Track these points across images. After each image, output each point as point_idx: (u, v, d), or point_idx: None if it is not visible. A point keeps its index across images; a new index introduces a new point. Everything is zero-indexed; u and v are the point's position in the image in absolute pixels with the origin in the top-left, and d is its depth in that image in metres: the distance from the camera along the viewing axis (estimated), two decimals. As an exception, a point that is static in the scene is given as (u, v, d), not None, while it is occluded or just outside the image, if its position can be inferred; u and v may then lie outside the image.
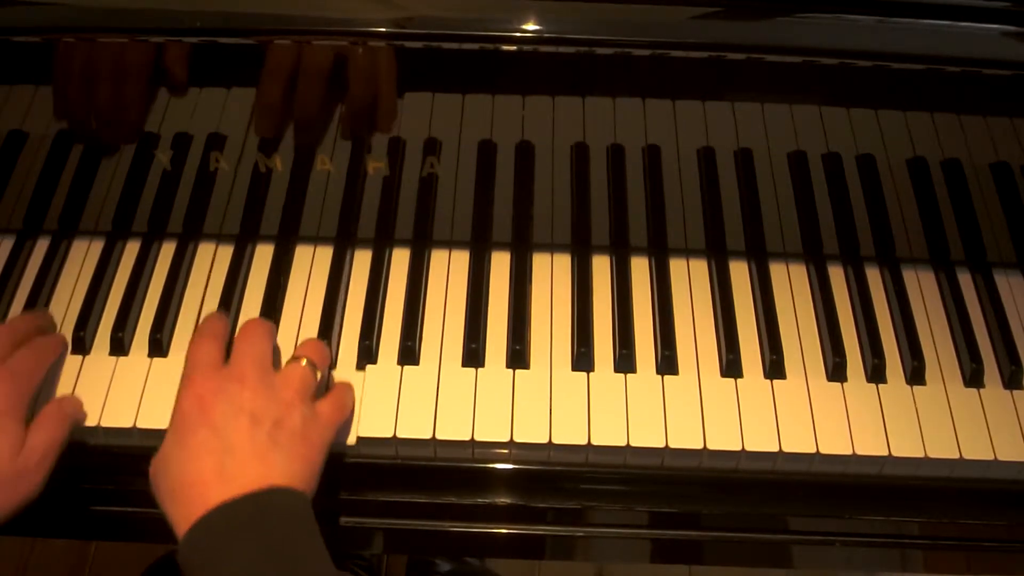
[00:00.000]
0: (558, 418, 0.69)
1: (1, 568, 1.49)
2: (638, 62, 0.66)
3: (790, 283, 0.79)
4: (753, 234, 0.78)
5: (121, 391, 0.71)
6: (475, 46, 0.65)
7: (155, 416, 0.69)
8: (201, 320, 0.74)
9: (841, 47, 0.65)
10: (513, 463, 0.70)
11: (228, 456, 0.59)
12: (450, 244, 0.80)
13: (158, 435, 0.63)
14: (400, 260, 0.79)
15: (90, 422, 0.69)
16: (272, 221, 0.79)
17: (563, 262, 0.79)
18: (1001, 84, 0.67)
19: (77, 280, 0.78)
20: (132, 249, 0.80)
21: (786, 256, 0.80)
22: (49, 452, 0.63)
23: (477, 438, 0.69)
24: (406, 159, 0.74)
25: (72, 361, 0.73)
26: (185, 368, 0.65)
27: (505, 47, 0.65)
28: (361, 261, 0.79)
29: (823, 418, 0.70)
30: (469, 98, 0.70)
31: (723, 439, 0.69)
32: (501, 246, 0.80)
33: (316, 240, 0.80)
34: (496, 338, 0.74)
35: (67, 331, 0.74)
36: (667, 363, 0.73)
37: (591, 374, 0.72)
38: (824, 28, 0.66)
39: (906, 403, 0.72)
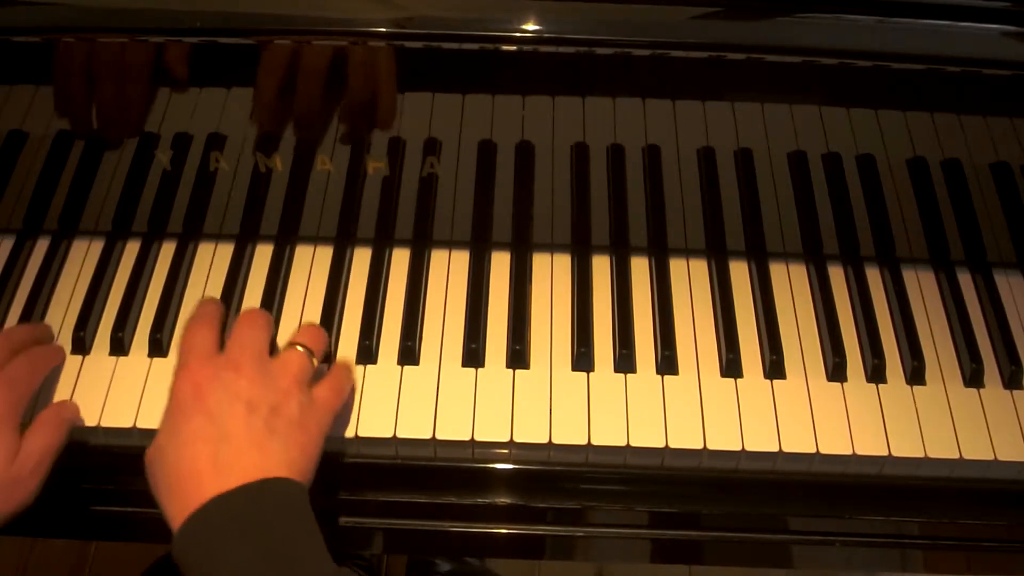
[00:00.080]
0: (558, 418, 0.69)
1: (1, 568, 1.49)
2: (638, 62, 0.66)
3: (790, 283, 0.79)
4: (753, 234, 0.78)
5: (121, 391, 0.71)
6: (475, 46, 0.65)
7: (155, 416, 0.68)
8: (196, 305, 0.73)
9: (841, 47, 0.65)
10: (513, 463, 0.70)
11: (224, 444, 0.58)
12: (450, 244, 0.80)
13: (158, 435, 0.63)
14: (400, 260, 0.79)
15: (90, 422, 0.69)
16: (272, 221, 0.79)
17: (563, 262, 0.79)
18: (1001, 84, 0.67)
19: (77, 280, 0.78)
20: (132, 249, 0.80)
21: (786, 256, 0.80)
22: (45, 458, 0.63)
23: (477, 438, 0.69)
24: (406, 159, 0.74)
25: (72, 361, 0.73)
26: (180, 355, 0.64)
27: (505, 47, 0.65)
28: (361, 261, 0.79)
29: (823, 418, 0.70)
30: (469, 98, 0.70)
31: (723, 439, 0.69)
32: (501, 246, 0.80)
33: (316, 240, 0.80)
34: (496, 338, 0.74)
35: (67, 331, 0.74)
36: (667, 363, 0.73)
37: (591, 374, 0.72)
38: (824, 28, 0.66)
39: (906, 403, 0.72)
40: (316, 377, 0.67)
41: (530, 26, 0.64)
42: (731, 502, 0.71)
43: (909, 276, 0.79)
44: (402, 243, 0.80)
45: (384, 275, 0.78)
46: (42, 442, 0.63)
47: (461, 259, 0.79)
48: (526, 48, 0.65)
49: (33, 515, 0.63)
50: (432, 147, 0.73)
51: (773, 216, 0.77)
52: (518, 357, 0.72)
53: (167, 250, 0.80)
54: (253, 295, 0.77)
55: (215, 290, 0.77)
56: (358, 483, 0.70)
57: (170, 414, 0.61)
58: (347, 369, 0.69)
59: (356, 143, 0.73)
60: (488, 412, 0.70)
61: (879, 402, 0.72)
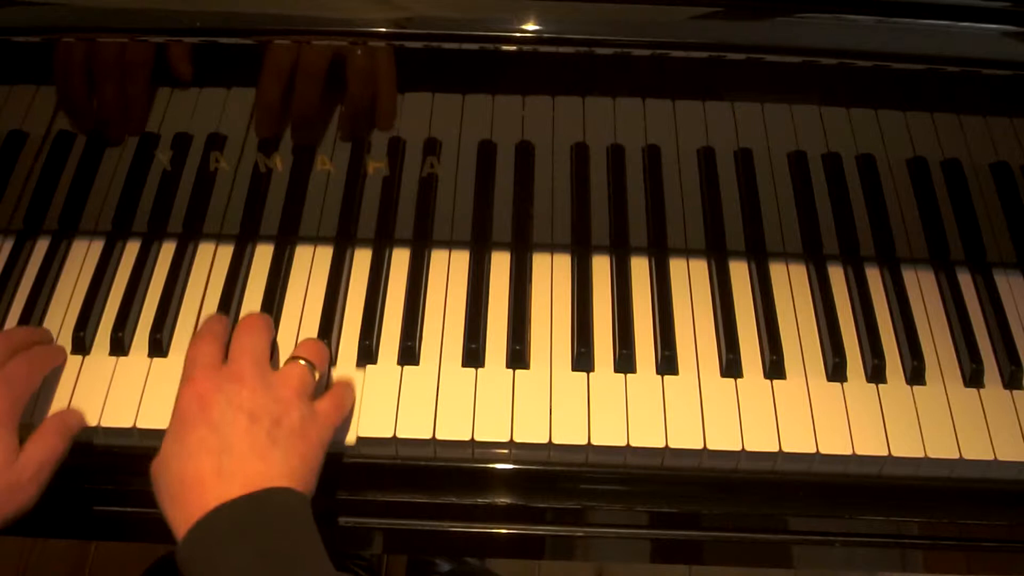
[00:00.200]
0: (558, 418, 0.69)
1: (1, 568, 1.49)
2: (638, 62, 0.66)
3: (790, 283, 0.79)
4: (753, 234, 0.78)
5: (121, 391, 0.71)
6: (475, 46, 0.65)
7: (155, 416, 0.69)
8: (201, 321, 0.74)
9: (841, 47, 0.65)
10: (513, 463, 0.70)
11: (226, 455, 0.59)
12: (450, 244, 0.80)
13: (158, 435, 0.63)
14: (400, 260, 0.79)
15: (90, 422, 0.69)
16: (272, 221, 0.79)
17: (563, 262, 0.79)
18: (1001, 84, 0.67)
19: (77, 280, 0.78)
20: (132, 249, 0.80)
21: (786, 256, 0.80)
22: (46, 465, 0.63)
23: (477, 438, 0.69)
24: (406, 159, 0.74)
25: (72, 361, 0.73)
26: (185, 368, 0.65)
27: (505, 47, 0.65)
28: (361, 261, 0.79)
29: (823, 418, 0.70)
30: (469, 98, 0.70)
31: (723, 439, 0.69)
32: (501, 246, 0.80)
33: (316, 240, 0.80)
34: (496, 338, 0.74)
35: (67, 331, 0.74)
36: (667, 363, 0.73)
37: (591, 374, 0.72)
38: (824, 28, 0.66)
39: (906, 403, 0.72)
40: (318, 391, 0.67)
41: (530, 26, 0.64)
42: (731, 502, 0.71)
43: (909, 276, 0.79)
44: (402, 243, 0.80)
45: (384, 275, 0.78)
46: (44, 449, 0.64)
47: (461, 259, 0.79)
48: (526, 48, 0.65)
49: (33, 515, 0.63)
50: (432, 147, 0.73)
51: (773, 216, 0.77)
52: (518, 357, 0.72)
53: (167, 250, 0.80)
54: (253, 295, 0.77)
55: (215, 290, 0.77)
56: (358, 483, 0.70)
57: (175, 425, 0.62)
58: (349, 385, 0.70)
59: (356, 143, 0.73)
60: (488, 412, 0.70)
61: (879, 402, 0.72)
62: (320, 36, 0.65)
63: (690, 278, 0.79)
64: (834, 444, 0.69)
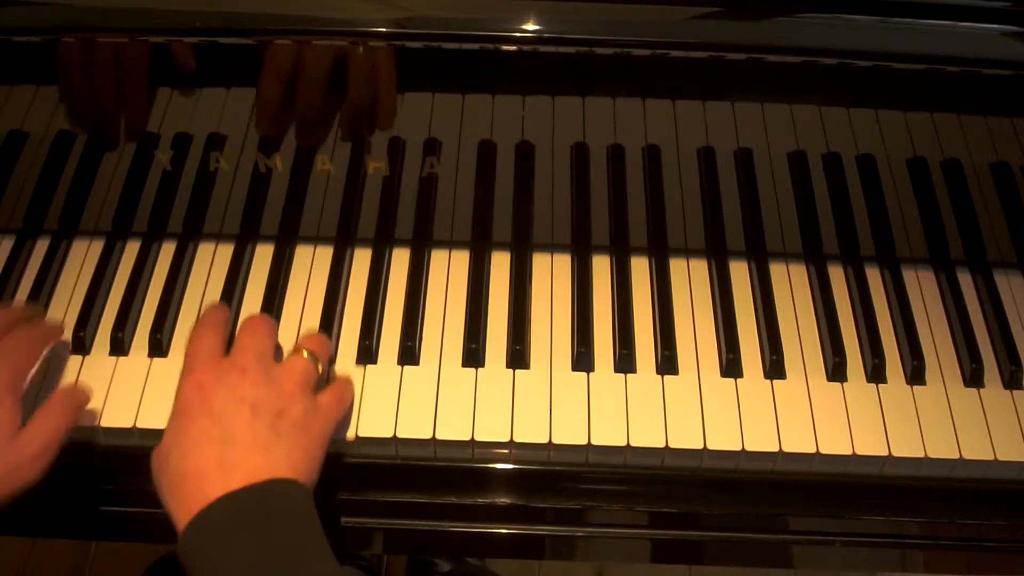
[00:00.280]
0: (558, 418, 0.69)
1: (1, 568, 1.49)
2: (638, 62, 0.66)
3: (790, 283, 0.79)
4: (753, 234, 0.78)
5: (121, 391, 0.71)
6: (475, 46, 0.65)
7: (156, 416, 0.69)
8: (202, 312, 0.73)
9: (841, 47, 0.65)
10: (513, 463, 0.70)
11: (229, 446, 0.59)
12: (450, 244, 0.80)
13: (159, 435, 0.63)
14: (400, 260, 0.79)
15: (90, 422, 0.69)
16: (272, 221, 0.79)
17: (563, 262, 0.79)
18: (1001, 84, 0.67)
19: (77, 280, 0.78)
20: (132, 249, 0.80)
21: (786, 256, 0.80)
22: (51, 443, 0.62)
23: (477, 438, 0.69)
24: (406, 159, 0.74)
25: (72, 361, 0.73)
26: (186, 360, 0.65)
27: (505, 47, 0.65)
28: (361, 261, 0.79)
29: (823, 418, 0.70)
30: (469, 98, 0.70)
31: (723, 439, 0.69)
32: (501, 246, 0.80)
33: (316, 240, 0.80)
34: (496, 338, 0.74)
35: (67, 331, 0.74)
36: (667, 363, 0.73)
37: (591, 374, 0.72)
38: (824, 28, 0.66)
39: (906, 403, 0.72)
40: (319, 384, 0.67)
41: (530, 26, 0.64)
42: (731, 502, 0.71)
43: (909, 276, 0.79)
44: (402, 243, 0.80)
45: (384, 275, 0.78)
46: (49, 426, 0.62)
47: (461, 259, 0.79)
48: (526, 48, 0.65)
49: (34, 515, 0.63)
50: (432, 147, 0.73)
51: (773, 216, 0.77)
52: (518, 357, 0.72)
53: (167, 250, 0.80)
54: (253, 295, 0.77)
55: (215, 290, 0.77)
56: (358, 483, 0.70)
57: (176, 416, 0.62)
58: (349, 380, 0.70)
59: (356, 143, 0.73)
60: (488, 412, 0.70)
61: (879, 402, 0.72)
62: (320, 36, 0.65)
63: (690, 278, 0.79)
64: (834, 444, 0.69)
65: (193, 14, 0.64)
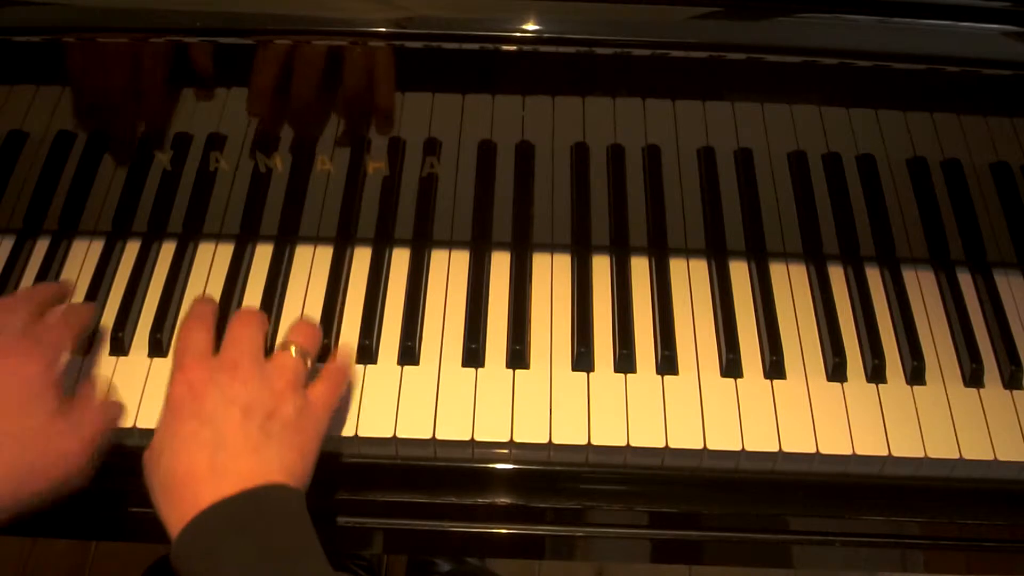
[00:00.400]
0: (558, 418, 0.69)
1: (1, 568, 1.49)
2: (638, 62, 0.66)
3: (790, 283, 0.79)
4: (753, 234, 0.78)
5: (121, 391, 0.71)
6: (475, 46, 0.65)
7: (155, 416, 0.68)
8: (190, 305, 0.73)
9: (841, 47, 0.65)
10: (513, 463, 0.70)
11: (220, 450, 0.58)
12: (450, 244, 0.80)
13: (158, 435, 0.63)
14: (400, 260, 0.79)
15: (90, 422, 0.69)
16: (272, 221, 0.79)
17: (563, 262, 0.79)
18: (1001, 84, 0.67)
19: (77, 280, 0.78)
20: (132, 249, 0.80)
21: (786, 256, 0.80)
22: (96, 436, 0.62)
23: (477, 438, 0.69)
24: (406, 159, 0.74)
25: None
26: (175, 355, 0.64)
27: (505, 47, 0.65)
28: (361, 261, 0.79)
29: (823, 418, 0.70)
30: (469, 98, 0.70)
31: (723, 439, 0.69)
32: (501, 246, 0.80)
33: (316, 240, 0.80)
34: (496, 338, 0.74)
35: (67, 331, 0.74)
36: (667, 363, 0.73)
37: (591, 374, 0.72)
38: (824, 28, 0.66)
39: (906, 403, 0.72)
40: (312, 375, 0.66)
41: (530, 26, 0.64)
42: (731, 502, 0.71)
43: (909, 276, 0.79)
44: (402, 243, 0.80)
45: (384, 275, 0.78)
46: (95, 430, 0.62)
47: (461, 259, 0.79)
48: (526, 48, 0.65)
49: (33, 515, 0.63)
50: (432, 147, 0.73)
51: (773, 216, 0.77)
52: (518, 357, 0.72)
53: (167, 250, 0.80)
54: (253, 295, 0.77)
55: (215, 290, 0.77)
56: (358, 483, 0.70)
57: (166, 416, 0.61)
58: (342, 366, 0.68)
59: (356, 143, 0.73)
60: (488, 412, 0.70)
61: (879, 402, 0.72)
62: (320, 36, 0.65)
63: (690, 278, 0.79)
64: (834, 444, 0.69)
65: (193, 14, 0.64)
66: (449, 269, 0.79)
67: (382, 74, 0.67)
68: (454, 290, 0.77)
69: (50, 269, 0.78)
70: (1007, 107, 0.69)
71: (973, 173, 0.73)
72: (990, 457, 0.69)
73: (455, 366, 0.72)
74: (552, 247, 0.80)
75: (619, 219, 0.78)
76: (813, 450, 0.69)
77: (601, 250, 0.80)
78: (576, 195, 0.76)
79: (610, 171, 0.75)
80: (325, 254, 0.79)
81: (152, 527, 0.62)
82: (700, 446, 0.68)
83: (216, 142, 0.73)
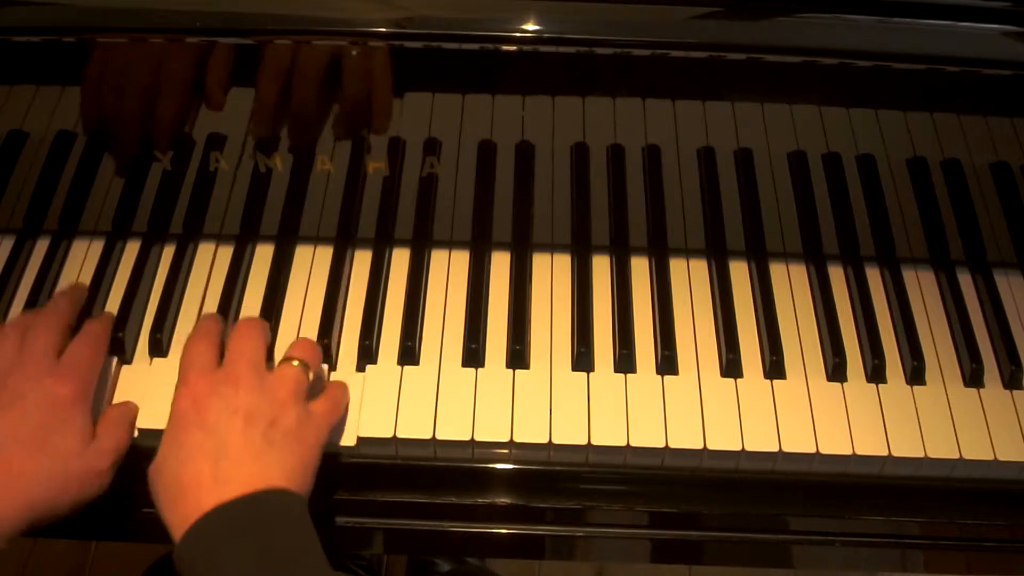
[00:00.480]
0: (558, 418, 0.69)
1: (1, 568, 1.49)
2: (638, 62, 0.66)
3: (790, 283, 0.79)
4: (753, 234, 0.79)
5: (121, 391, 0.71)
6: (475, 46, 0.65)
7: (155, 416, 0.69)
8: (198, 320, 0.74)
9: (841, 47, 0.65)
10: (513, 463, 0.70)
11: (223, 458, 0.59)
12: (450, 244, 0.80)
13: (158, 435, 0.63)
14: (400, 260, 0.79)
15: (90, 422, 0.69)
16: (272, 221, 0.79)
17: (563, 262, 0.79)
18: (1001, 84, 0.67)
19: (77, 280, 0.78)
20: (132, 249, 0.80)
21: (786, 256, 0.80)
22: (120, 454, 0.65)
23: (477, 438, 0.69)
24: (406, 159, 0.74)
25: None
26: (180, 370, 0.65)
27: (505, 47, 0.65)
28: (361, 261, 0.79)
29: (823, 418, 0.70)
30: (469, 98, 0.70)
31: (723, 439, 0.69)
32: (501, 246, 0.80)
33: (316, 240, 0.80)
34: (496, 338, 0.74)
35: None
36: (667, 363, 0.73)
37: (591, 374, 0.72)
38: (824, 28, 0.66)
39: (906, 403, 0.72)
40: (312, 390, 0.67)
41: (530, 26, 0.64)
42: (731, 502, 0.71)
43: (909, 276, 0.79)
44: (402, 243, 0.80)
45: (384, 275, 0.78)
46: (117, 439, 0.65)
47: (461, 259, 0.79)
48: (526, 48, 0.65)
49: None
50: (432, 147, 0.73)
51: (773, 216, 0.77)
52: (518, 357, 0.72)
53: (167, 250, 0.80)
54: (253, 295, 0.77)
55: (215, 290, 0.77)
56: (358, 483, 0.70)
57: (171, 429, 0.62)
58: (343, 386, 0.70)
59: (356, 143, 0.73)
60: (488, 412, 0.70)
61: (879, 402, 0.72)
62: (320, 36, 0.65)
63: (690, 278, 0.79)
64: (834, 444, 0.69)
65: (193, 14, 0.64)
66: (449, 269, 0.79)
67: (382, 74, 0.67)
68: (454, 290, 0.77)
69: (50, 269, 0.78)
70: (1007, 107, 0.69)
71: (973, 173, 0.73)
72: (990, 457, 0.69)
73: (455, 366, 0.72)
74: (552, 247, 0.80)
75: (619, 219, 0.78)
76: (813, 450, 0.69)
77: (601, 250, 0.80)
78: (576, 195, 0.76)
79: (610, 171, 0.75)
80: (325, 254, 0.79)
81: (152, 527, 0.62)
82: (700, 446, 0.68)
83: (216, 142, 0.73)
